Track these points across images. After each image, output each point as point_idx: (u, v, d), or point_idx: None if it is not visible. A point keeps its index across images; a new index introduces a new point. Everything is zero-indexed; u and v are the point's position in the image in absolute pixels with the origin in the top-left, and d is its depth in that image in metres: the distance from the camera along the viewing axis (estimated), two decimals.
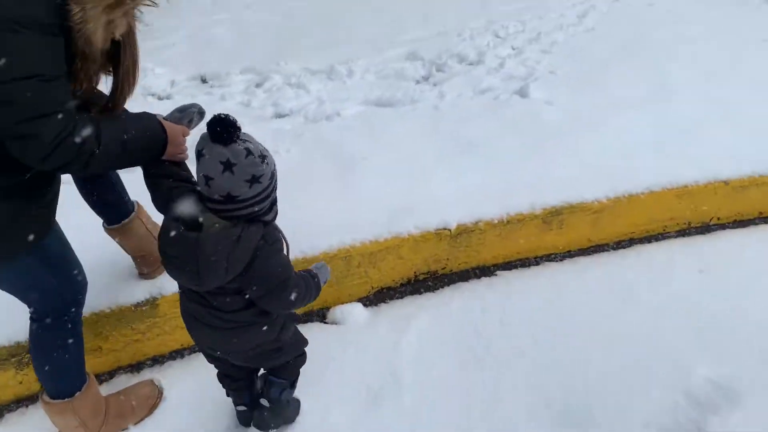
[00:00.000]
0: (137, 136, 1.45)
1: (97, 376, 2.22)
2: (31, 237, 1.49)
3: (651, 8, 5.71)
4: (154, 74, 4.17)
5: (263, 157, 1.36)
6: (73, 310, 1.75)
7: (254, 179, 1.34)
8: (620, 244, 2.97)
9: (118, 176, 2.08)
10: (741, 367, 2.15)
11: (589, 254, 2.91)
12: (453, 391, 2.14)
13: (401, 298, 2.64)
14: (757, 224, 3.16)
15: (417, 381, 2.18)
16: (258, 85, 4.05)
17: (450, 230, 2.57)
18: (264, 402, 1.93)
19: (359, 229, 2.50)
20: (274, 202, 1.47)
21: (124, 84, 1.50)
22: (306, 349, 1.92)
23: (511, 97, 3.72)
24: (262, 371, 2.01)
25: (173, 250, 1.38)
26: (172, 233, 1.37)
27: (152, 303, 2.19)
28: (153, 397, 2.07)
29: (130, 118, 1.52)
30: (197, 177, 1.39)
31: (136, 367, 2.30)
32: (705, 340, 2.31)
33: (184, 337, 2.30)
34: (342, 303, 2.56)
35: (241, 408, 1.97)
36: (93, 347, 2.15)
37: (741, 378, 2.10)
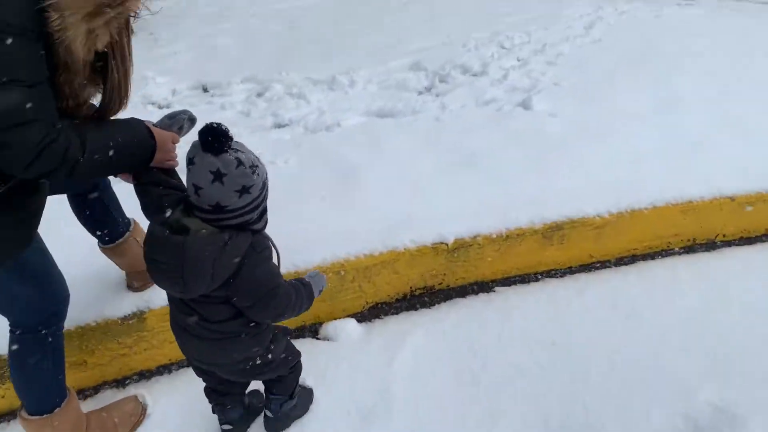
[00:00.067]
0: (124, 142, 1.42)
1: (82, 391, 2.17)
2: (9, 250, 1.45)
3: (658, 20, 5.68)
4: (156, 83, 4.15)
5: (254, 167, 1.34)
6: (53, 323, 1.71)
7: (244, 189, 1.32)
8: (623, 261, 2.90)
9: (113, 196, 2.04)
10: (746, 390, 2.08)
11: (591, 270, 2.84)
12: (448, 411, 2.09)
13: (396, 313, 2.58)
14: (764, 241, 3.07)
15: (411, 399, 2.12)
16: (259, 95, 4.03)
17: (447, 244, 2.51)
18: (267, 413, 1.93)
19: (354, 243, 2.45)
20: (264, 212, 1.45)
21: (113, 98, 1.45)
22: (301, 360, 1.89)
23: (514, 109, 3.67)
24: (250, 388, 1.96)
25: (158, 254, 1.35)
26: (158, 237, 1.35)
27: (140, 316, 2.14)
28: (136, 415, 2.02)
29: (117, 124, 1.48)
30: (187, 185, 1.37)
31: (121, 382, 2.25)
32: (709, 360, 2.24)
33: (172, 352, 2.26)
34: (335, 318, 2.50)
35: (227, 427, 1.92)
36: (78, 361, 2.10)
37: (745, 402, 2.02)
